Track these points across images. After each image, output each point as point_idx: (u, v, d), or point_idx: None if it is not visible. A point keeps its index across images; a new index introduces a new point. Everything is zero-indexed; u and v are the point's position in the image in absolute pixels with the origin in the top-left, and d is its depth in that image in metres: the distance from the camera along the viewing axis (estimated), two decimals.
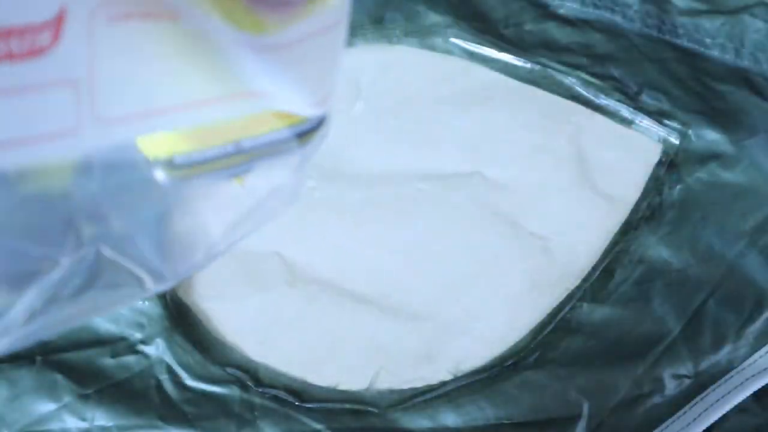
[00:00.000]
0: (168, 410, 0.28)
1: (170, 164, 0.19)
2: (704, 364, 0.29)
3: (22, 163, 0.15)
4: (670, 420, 0.28)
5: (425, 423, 0.29)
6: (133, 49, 0.16)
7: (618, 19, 0.35)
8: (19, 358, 0.28)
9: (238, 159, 0.20)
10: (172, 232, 0.20)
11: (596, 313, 0.30)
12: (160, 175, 0.19)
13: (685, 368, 0.29)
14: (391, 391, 0.30)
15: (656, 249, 0.31)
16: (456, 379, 0.30)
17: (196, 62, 0.17)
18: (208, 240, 0.21)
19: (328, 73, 0.20)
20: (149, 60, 0.17)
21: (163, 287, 0.20)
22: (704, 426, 0.28)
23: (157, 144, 0.18)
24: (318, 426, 0.28)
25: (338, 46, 0.20)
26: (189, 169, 0.19)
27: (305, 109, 0.19)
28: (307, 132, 0.21)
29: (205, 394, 0.29)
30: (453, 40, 0.35)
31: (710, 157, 0.32)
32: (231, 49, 0.17)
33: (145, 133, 0.17)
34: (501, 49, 0.35)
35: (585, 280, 0.31)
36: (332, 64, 0.20)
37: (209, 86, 0.18)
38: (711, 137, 0.32)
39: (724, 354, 0.29)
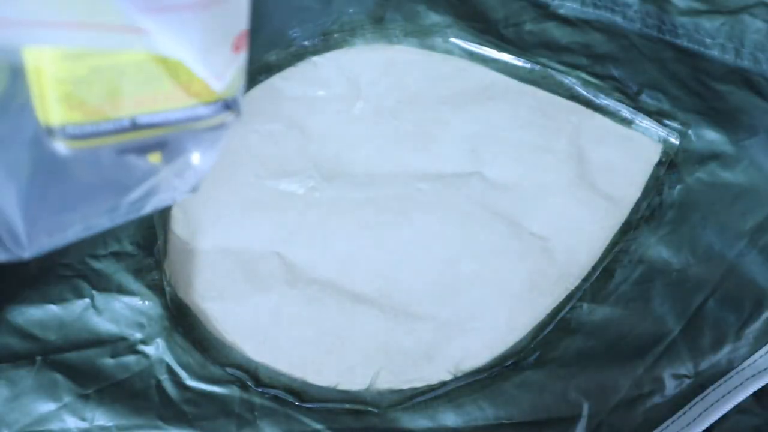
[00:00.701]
0: (168, 410, 0.28)
1: (63, 133, 0.19)
2: (704, 364, 0.29)
3: None
4: (670, 420, 0.28)
5: (425, 423, 0.29)
6: None
7: (618, 19, 0.35)
8: (19, 358, 0.28)
9: (137, 134, 0.20)
10: (44, 196, 0.20)
11: (596, 313, 0.30)
12: (57, 143, 0.19)
13: (685, 368, 0.29)
14: (391, 391, 0.30)
15: (656, 249, 0.31)
16: (456, 379, 0.30)
17: None
18: (87, 211, 0.21)
19: (224, 45, 0.20)
20: None
21: (20, 254, 0.20)
22: (704, 426, 0.28)
23: (49, 112, 0.19)
24: (318, 426, 0.28)
25: (236, 17, 0.20)
26: (83, 140, 0.19)
27: (200, 71, 0.20)
28: (209, 116, 0.21)
29: (205, 394, 0.29)
30: (453, 40, 0.35)
31: (710, 157, 0.32)
32: None
33: (26, 42, 0.17)
34: (501, 49, 0.35)
35: (585, 280, 0.31)
36: (228, 37, 0.20)
37: (93, 12, 0.18)
38: (711, 137, 0.32)
39: (724, 354, 0.29)
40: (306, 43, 0.36)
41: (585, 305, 0.30)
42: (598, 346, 0.30)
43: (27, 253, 0.20)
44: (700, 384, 0.29)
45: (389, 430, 0.29)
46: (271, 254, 0.32)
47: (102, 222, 0.22)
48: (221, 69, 0.20)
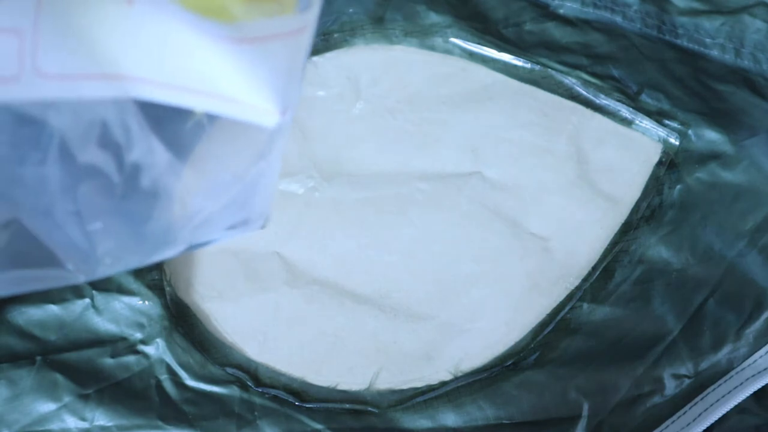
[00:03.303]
0: (168, 410, 0.28)
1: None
2: (704, 364, 0.29)
3: None
4: (670, 420, 0.28)
5: (425, 423, 0.29)
6: (81, 16, 0.16)
7: (618, 19, 0.35)
8: (19, 358, 0.28)
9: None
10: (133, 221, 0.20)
11: (596, 313, 0.30)
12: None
13: (685, 368, 0.29)
14: (391, 391, 0.30)
15: (656, 249, 0.31)
16: (456, 379, 0.30)
17: (149, 44, 0.17)
18: (169, 236, 0.21)
19: (291, 83, 0.20)
20: (96, 30, 0.17)
21: (89, 276, 0.20)
22: (704, 426, 0.28)
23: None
24: (318, 426, 0.28)
25: (302, 55, 0.20)
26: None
27: (265, 116, 0.19)
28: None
29: (205, 394, 0.29)
30: (453, 40, 0.35)
31: (710, 157, 0.32)
32: (190, 36, 0.17)
33: (85, 95, 0.17)
34: (501, 49, 0.35)
35: (585, 280, 0.31)
36: (295, 74, 0.20)
37: (161, 69, 0.18)
38: (711, 137, 0.32)
39: (724, 354, 0.29)
40: None
41: (585, 305, 0.30)
42: (598, 346, 0.30)
43: (87, 277, 0.20)
44: (700, 384, 0.29)
45: (389, 430, 0.29)
46: (271, 254, 0.32)
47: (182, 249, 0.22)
48: (286, 106, 0.20)
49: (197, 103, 0.18)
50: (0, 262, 0.18)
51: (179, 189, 0.20)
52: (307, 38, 0.20)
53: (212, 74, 0.18)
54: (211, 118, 0.20)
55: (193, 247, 0.22)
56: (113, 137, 0.18)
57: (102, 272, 0.20)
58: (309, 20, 0.20)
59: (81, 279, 0.20)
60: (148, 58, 0.17)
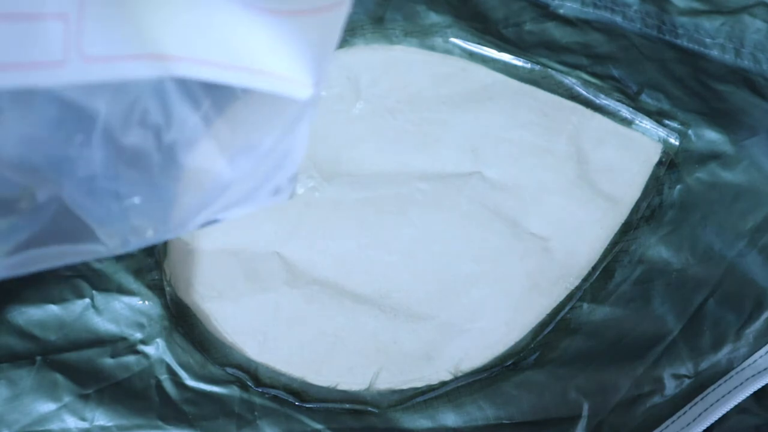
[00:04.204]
0: (168, 410, 0.28)
1: None
2: (704, 364, 0.29)
3: (8, 88, 0.16)
4: (670, 420, 0.28)
5: (425, 423, 0.29)
6: None
7: (618, 19, 0.35)
8: (19, 358, 0.28)
9: None
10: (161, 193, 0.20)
11: (596, 313, 0.30)
12: None
13: (685, 368, 0.29)
14: (391, 391, 0.30)
15: (656, 249, 0.31)
16: (456, 379, 0.30)
17: (189, 20, 0.18)
18: (190, 208, 0.21)
19: (324, 58, 0.20)
20: (138, 9, 0.17)
21: (124, 249, 0.20)
22: (704, 426, 0.28)
23: None
24: (318, 426, 0.28)
25: (337, 30, 0.20)
26: None
27: (299, 89, 0.20)
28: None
29: (205, 394, 0.29)
30: (453, 40, 0.35)
31: (710, 157, 0.32)
32: (231, 9, 0.18)
33: (128, 76, 0.17)
34: (501, 49, 0.35)
35: (585, 280, 0.31)
36: (329, 49, 0.20)
37: (202, 46, 0.18)
38: (711, 137, 0.32)
39: (724, 354, 0.29)
40: None
41: (585, 305, 0.30)
42: (598, 346, 0.30)
43: (122, 249, 0.20)
44: (700, 384, 0.29)
45: (389, 430, 0.29)
46: (271, 254, 0.32)
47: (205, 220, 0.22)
48: (319, 79, 0.20)
49: (235, 79, 0.18)
50: (43, 238, 0.19)
51: (212, 160, 0.21)
52: (342, 14, 0.20)
53: (250, 48, 0.18)
54: (245, 90, 0.20)
55: (220, 218, 0.23)
56: (153, 116, 0.18)
57: (135, 244, 0.20)
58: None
59: (116, 251, 0.20)
60: (189, 34, 0.17)
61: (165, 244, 0.32)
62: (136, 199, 0.20)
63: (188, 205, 0.21)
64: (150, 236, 0.21)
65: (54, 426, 0.27)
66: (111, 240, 0.20)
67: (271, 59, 0.19)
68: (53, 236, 0.19)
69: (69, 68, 0.16)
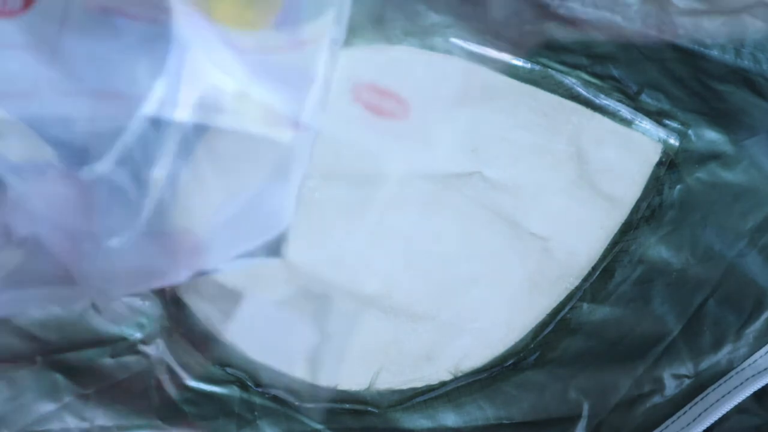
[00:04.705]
0: (168, 410, 0.28)
1: None
2: (704, 364, 0.29)
3: None
4: (670, 420, 0.28)
5: (425, 423, 0.29)
6: (102, 35, 0.16)
7: (618, 19, 0.35)
8: (19, 358, 0.28)
9: None
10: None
11: (596, 313, 0.30)
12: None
13: (685, 368, 0.29)
14: (391, 391, 0.30)
15: (656, 249, 0.31)
16: (456, 379, 0.30)
17: (174, 62, 0.17)
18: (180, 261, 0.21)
19: (305, 97, 0.19)
20: (117, 49, 0.17)
21: (106, 298, 0.20)
22: (704, 426, 0.28)
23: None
24: (318, 426, 0.28)
25: (315, 68, 0.20)
26: None
27: (279, 130, 0.19)
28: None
29: (205, 394, 0.29)
30: (453, 40, 0.35)
31: (710, 157, 0.32)
32: (217, 49, 0.17)
33: (104, 112, 0.17)
34: (501, 49, 0.35)
35: (585, 280, 0.31)
36: (308, 87, 0.20)
37: (179, 87, 0.18)
38: (711, 137, 0.32)
39: (724, 354, 0.29)
40: None
41: (585, 305, 0.30)
42: (598, 346, 0.30)
43: (99, 297, 0.20)
44: (700, 384, 0.29)
45: (389, 430, 0.29)
46: None
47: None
48: (302, 116, 0.20)
49: (213, 119, 0.18)
50: (16, 280, 0.18)
51: (191, 209, 0.20)
52: (317, 51, 0.20)
53: (229, 85, 0.18)
54: (226, 130, 0.20)
55: (200, 274, 0.22)
56: (132, 154, 0.18)
57: (113, 293, 0.20)
58: (316, 33, 0.19)
59: (92, 298, 0.20)
60: (171, 75, 0.17)
61: None
62: (115, 240, 0.19)
63: (157, 258, 0.21)
64: (124, 287, 0.20)
65: (54, 426, 0.27)
66: (88, 284, 0.19)
67: (244, 97, 0.18)
68: (28, 279, 0.18)
69: (42, 99, 0.16)
